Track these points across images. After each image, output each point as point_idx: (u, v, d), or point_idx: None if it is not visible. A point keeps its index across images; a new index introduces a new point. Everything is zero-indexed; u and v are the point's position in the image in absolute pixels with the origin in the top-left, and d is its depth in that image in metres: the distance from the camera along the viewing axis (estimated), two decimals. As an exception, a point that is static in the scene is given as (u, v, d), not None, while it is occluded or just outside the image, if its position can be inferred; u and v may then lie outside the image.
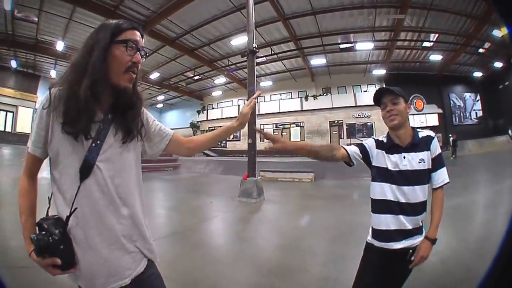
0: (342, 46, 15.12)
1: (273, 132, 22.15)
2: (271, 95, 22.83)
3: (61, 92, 0.94)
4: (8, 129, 17.60)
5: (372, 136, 1.61)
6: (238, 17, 12.45)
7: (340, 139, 19.83)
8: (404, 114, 1.42)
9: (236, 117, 1.29)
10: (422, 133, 1.46)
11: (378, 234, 1.46)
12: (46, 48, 14.77)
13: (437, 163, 1.42)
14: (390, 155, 1.44)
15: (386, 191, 1.42)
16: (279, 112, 21.90)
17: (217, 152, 22.41)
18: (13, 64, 16.99)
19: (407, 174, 1.40)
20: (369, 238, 1.52)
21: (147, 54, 1.15)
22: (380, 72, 18.39)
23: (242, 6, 10.97)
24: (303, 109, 21.01)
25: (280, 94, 22.59)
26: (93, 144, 0.96)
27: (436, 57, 16.17)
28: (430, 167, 1.41)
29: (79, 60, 0.97)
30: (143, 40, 1.04)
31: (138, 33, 1.02)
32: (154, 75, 19.46)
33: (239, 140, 22.48)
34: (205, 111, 25.43)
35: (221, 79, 21.14)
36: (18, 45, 14.70)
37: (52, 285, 1.84)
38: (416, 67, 17.83)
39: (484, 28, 12.64)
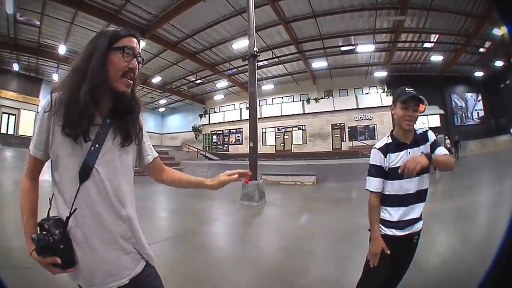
0: (343, 48, 15.16)
1: (275, 135, 22.22)
2: (273, 98, 22.91)
3: (62, 96, 0.97)
4: (11, 132, 17.74)
5: (373, 147, 1.69)
6: (239, 21, 12.54)
7: (342, 142, 19.83)
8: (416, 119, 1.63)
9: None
10: (419, 130, 1.70)
11: (392, 225, 1.63)
12: (48, 52, 14.90)
13: (435, 145, 1.64)
14: (398, 153, 1.62)
15: (400, 186, 1.60)
16: (281, 116, 21.93)
17: (219, 155, 22.45)
18: (16, 67, 17.17)
19: None
20: (381, 230, 1.65)
21: (144, 60, 1.17)
22: (382, 74, 18.42)
23: (243, 10, 11.05)
24: (305, 112, 21.01)
25: (282, 97, 22.64)
26: (92, 148, 0.98)
27: (437, 58, 16.16)
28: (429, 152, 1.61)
29: (79, 65, 1.00)
30: (141, 46, 1.06)
31: (135, 40, 1.04)
32: (156, 79, 19.55)
33: (241, 144, 22.57)
34: (207, 115, 25.47)
35: (223, 83, 21.23)
36: (20, 49, 14.87)
37: (53, 286, 1.84)
38: (418, 69, 17.81)
39: (484, 27, 12.62)
